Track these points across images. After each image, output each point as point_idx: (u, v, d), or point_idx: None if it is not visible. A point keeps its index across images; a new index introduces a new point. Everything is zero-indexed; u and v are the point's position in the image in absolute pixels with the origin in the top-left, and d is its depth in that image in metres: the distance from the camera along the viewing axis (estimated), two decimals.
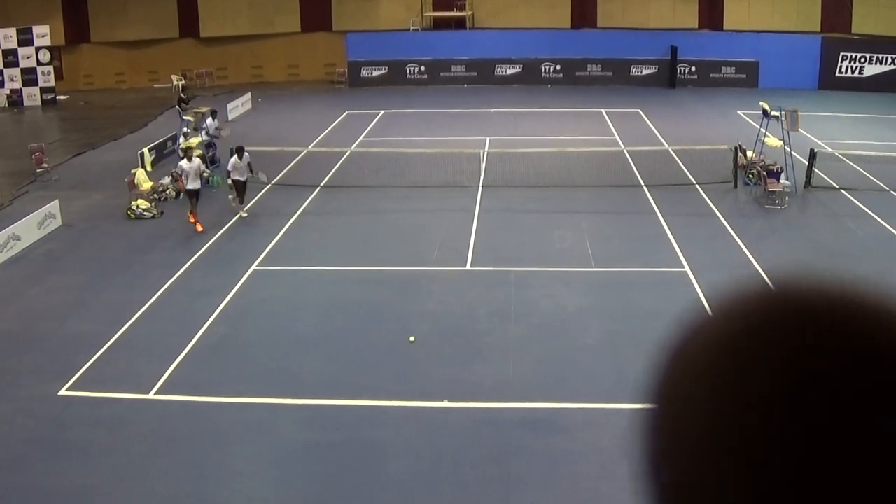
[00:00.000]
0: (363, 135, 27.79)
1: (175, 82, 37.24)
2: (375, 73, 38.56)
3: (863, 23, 35.61)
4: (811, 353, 0.75)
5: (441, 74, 38.40)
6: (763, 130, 20.86)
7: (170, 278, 15.10)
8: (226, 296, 14.25)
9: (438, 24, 40.25)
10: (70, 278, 15.36)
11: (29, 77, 35.07)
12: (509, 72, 38.14)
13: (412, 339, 12.46)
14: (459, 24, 39.79)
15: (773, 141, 20.61)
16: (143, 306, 13.89)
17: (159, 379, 11.41)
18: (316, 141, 26.74)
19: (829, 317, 0.80)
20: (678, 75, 36.92)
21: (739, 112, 30.46)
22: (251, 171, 18.98)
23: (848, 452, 0.70)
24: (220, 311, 13.69)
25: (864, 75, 35.12)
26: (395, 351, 12.17)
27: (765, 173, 19.65)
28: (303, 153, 23.74)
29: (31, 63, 34.96)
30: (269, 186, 20.97)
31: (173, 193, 20.40)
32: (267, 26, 39.97)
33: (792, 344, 0.76)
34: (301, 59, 40.51)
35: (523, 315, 13.33)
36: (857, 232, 17.23)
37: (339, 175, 22.07)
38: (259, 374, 11.58)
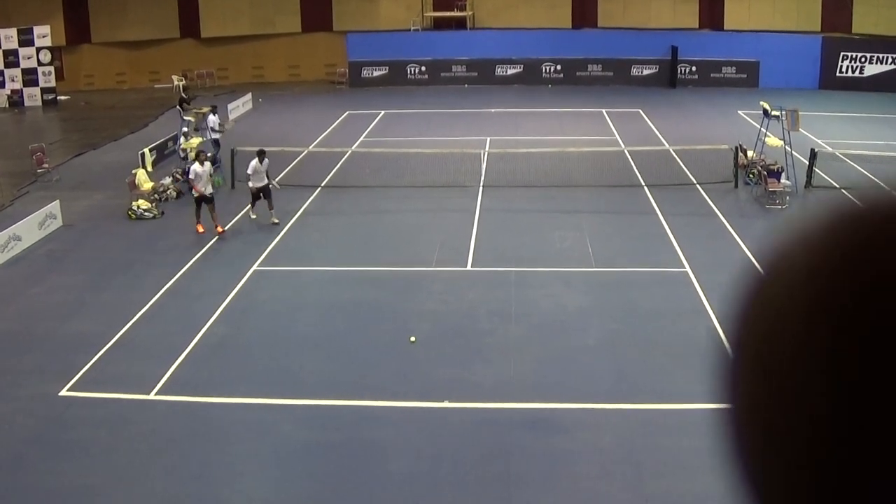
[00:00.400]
0: (364, 135, 27.79)
1: (176, 82, 37.27)
2: (376, 74, 38.57)
3: (863, 22, 35.60)
4: None
5: (442, 74, 38.41)
6: (763, 130, 20.85)
7: (170, 278, 15.10)
8: (227, 296, 14.26)
9: (439, 25, 40.25)
10: (71, 278, 15.37)
11: (30, 77, 35.09)
12: (510, 72, 38.14)
13: (413, 339, 12.46)
14: (460, 24, 39.80)
15: (773, 141, 20.60)
16: (143, 306, 13.89)
17: (160, 379, 11.42)
18: (317, 141, 26.75)
19: None
20: (679, 75, 36.92)
21: (740, 112, 30.45)
22: (268, 177, 18.16)
23: None
24: (221, 311, 13.69)
25: (864, 75, 35.10)
26: (396, 351, 12.18)
27: (765, 173, 19.64)
28: (303, 153, 23.75)
29: (32, 63, 34.98)
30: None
31: (174, 194, 20.43)
32: (267, 26, 39.99)
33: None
34: (302, 59, 40.53)
35: (524, 315, 13.33)
36: None
37: (339, 175, 22.08)
38: (260, 375, 11.59)
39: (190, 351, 12.29)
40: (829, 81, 35.29)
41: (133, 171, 20.44)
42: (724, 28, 37.87)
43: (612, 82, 37.58)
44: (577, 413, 10.46)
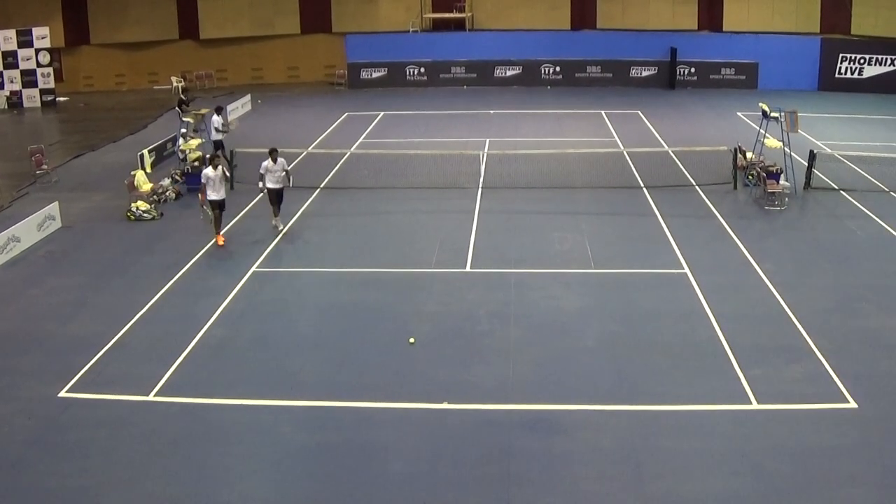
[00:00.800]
0: (363, 136, 27.81)
1: (175, 84, 37.29)
2: (375, 75, 38.60)
3: (862, 24, 35.64)
4: None
5: (441, 76, 38.44)
6: (762, 132, 20.88)
7: (169, 280, 15.11)
8: (226, 297, 14.27)
9: (438, 26, 40.29)
10: (70, 280, 15.37)
11: (29, 79, 35.10)
12: (509, 73, 38.18)
13: (412, 340, 12.48)
14: (459, 25, 39.83)
15: (772, 142, 20.64)
16: (142, 308, 13.90)
17: (159, 380, 11.43)
18: (316, 142, 26.76)
19: None
20: (678, 76, 36.96)
21: (739, 113, 30.47)
22: (288, 177, 17.30)
23: None
24: (220, 312, 13.70)
25: (863, 76, 35.14)
26: (395, 352, 12.19)
27: (764, 174, 19.67)
28: (303, 154, 23.75)
29: (31, 65, 34.99)
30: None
31: (173, 195, 20.45)
32: (267, 28, 40.01)
33: None
34: (301, 60, 40.56)
35: (523, 316, 13.34)
36: (856, 233, 17.25)
37: (338, 176, 22.10)
38: (259, 376, 11.60)
39: (189, 352, 12.29)
40: (828, 83, 35.35)
41: (132, 173, 20.45)
42: (723, 29, 37.91)
43: (611, 83, 37.61)
44: (577, 414, 10.48)
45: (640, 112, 31.27)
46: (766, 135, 20.73)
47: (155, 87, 39.44)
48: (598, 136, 26.92)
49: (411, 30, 39.26)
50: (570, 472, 9.39)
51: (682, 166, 22.59)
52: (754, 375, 11.28)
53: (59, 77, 36.96)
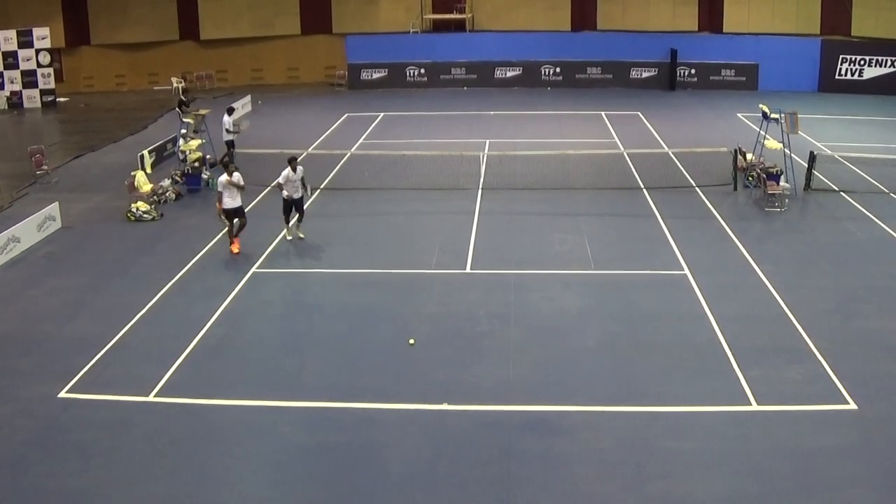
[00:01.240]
0: (363, 137, 27.83)
1: (175, 84, 37.30)
2: (375, 76, 38.61)
3: (862, 25, 35.66)
4: None
5: (441, 77, 38.45)
6: (763, 133, 20.89)
7: (169, 280, 15.12)
8: (226, 298, 14.28)
9: (438, 27, 40.30)
10: (70, 280, 15.38)
11: (29, 79, 35.09)
12: (509, 74, 38.19)
13: (412, 341, 12.49)
14: (459, 26, 39.85)
15: (772, 143, 20.65)
16: (142, 308, 13.92)
17: (159, 381, 11.45)
18: (316, 143, 26.77)
19: None
20: (678, 78, 36.96)
21: (739, 114, 30.48)
22: (305, 186, 16.93)
23: None
24: (220, 313, 13.71)
25: (863, 77, 35.14)
26: (395, 353, 12.21)
27: (764, 176, 19.68)
28: (303, 155, 23.73)
29: (31, 65, 34.98)
30: (267, 190, 20.99)
31: (173, 196, 20.45)
32: (267, 28, 40.02)
33: None
34: (301, 61, 40.57)
35: (523, 317, 13.36)
36: (856, 234, 17.26)
37: (338, 177, 22.11)
38: (259, 377, 11.61)
39: (189, 353, 12.31)
40: (829, 84, 35.36)
41: (132, 173, 20.45)
42: (724, 31, 37.92)
43: (612, 85, 37.62)
44: (577, 415, 10.49)
45: (640, 113, 31.28)
46: (767, 136, 20.74)
47: (155, 88, 39.44)
48: (598, 138, 26.93)
49: (411, 31, 39.27)
50: (570, 472, 9.40)
51: (682, 167, 22.60)
52: (754, 376, 11.29)
53: (59, 77, 36.97)
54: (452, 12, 39.57)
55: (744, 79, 36.57)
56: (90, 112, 34.30)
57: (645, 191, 20.58)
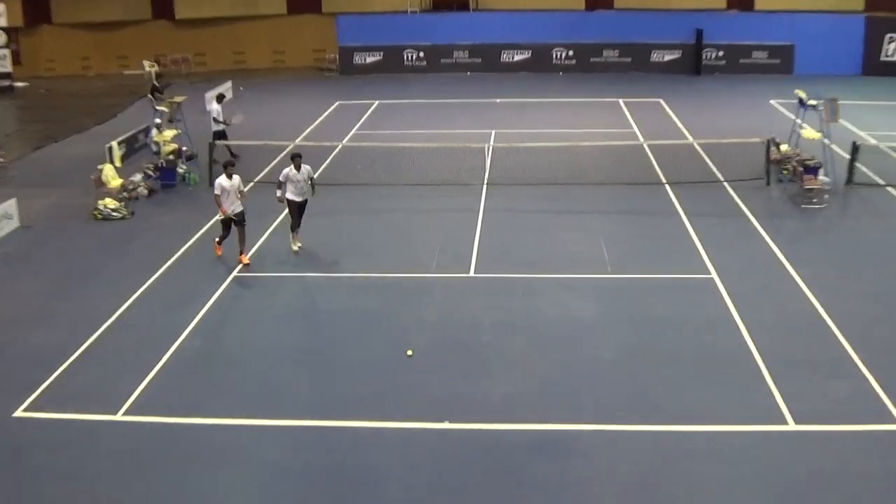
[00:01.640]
0: (356, 127, 27.84)
1: (147, 69, 37.26)
2: (369, 60, 38.64)
3: None
4: None
5: (441, 61, 38.48)
6: (799, 121, 20.88)
7: (141, 285, 15.12)
8: (204, 304, 14.28)
9: (438, 6, 40.34)
10: (29, 286, 15.38)
11: None
12: (517, 58, 38.21)
13: (410, 352, 12.49)
14: (462, 5, 39.88)
15: (810, 133, 20.63)
16: (110, 317, 13.91)
17: (129, 397, 11.43)
18: (303, 134, 26.78)
19: None
20: (704, 61, 36.97)
21: (773, 101, 30.48)
22: (312, 187, 16.35)
23: None
24: (198, 321, 13.71)
25: None
26: (391, 365, 12.20)
27: (801, 169, 19.66)
28: (289, 147, 23.74)
29: None
30: (251, 185, 21.00)
31: (145, 192, 20.47)
32: (249, 7, 40.07)
33: None
34: (287, 43, 40.60)
35: (531, 326, 13.35)
36: None
37: (329, 172, 22.13)
38: (241, 392, 11.60)
39: (163, 366, 12.30)
40: (873, 66, 35.30)
41: (99, 167, 20.47)
42: (755, 8, 37.94)
43: (630, 69, 37.63)
44: (591, 435, 10.47)
45: (661, 100, 31.28)
46: (803, 125, 20.72)
47: (125, 73, 39.50)
48: (615, 128, 26.93)
49: (409, 10, 39.30)
50: (583, 499, 9.38)
51: (708, 160, 22.59)
52: (790, 392, 11.26)
53: (16, 60, 37.02)
54: None
55: (778, 61, 36.57)
56: (52, 98, 34.35)
57: (667, 186, 20.58)
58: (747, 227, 17.77)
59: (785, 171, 20.74)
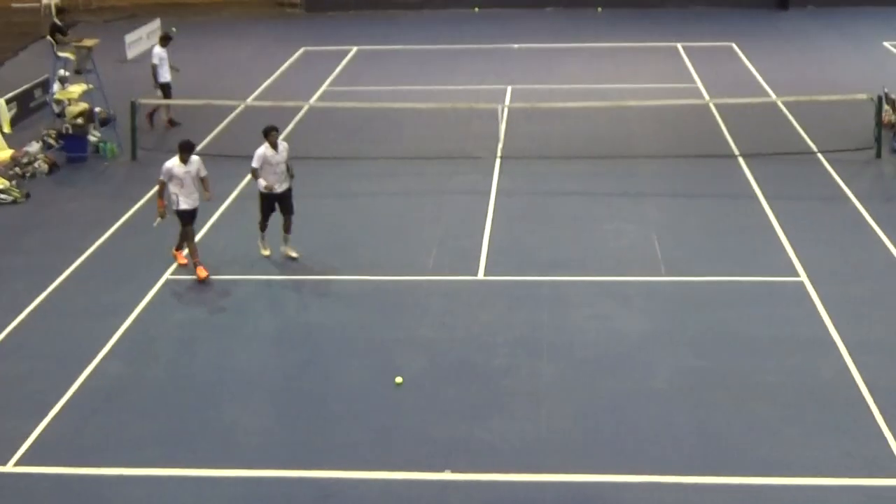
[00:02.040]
0: (327, 82, 27.83)
1: (45, 1, 37.31)
2: None
3: None
4: None
5: None
6: None
7: (40, 292, 15.13)
8: (124, 319, 14.29)
9: None
10: None
11: None
12: None
13: (399, 380, 12.51)
14: None
15: None
16: None
17: (24, 442, 11.42)
18: (258, 91, 26.78)
19: None
20: None
21: (886, 43, 30.48)
22: (289, 171, 15.94)
23: None
24: (117, 340, 13.72)
25: None
26: (375, 398, 12.22)
27: None
28: (239, 109, 23.79)
29: None
30: None
31: (44, 167, 20.47)
32: None
33: None
34: None
35: (561, 346, 13.37)
36: None
37: (292, 141, 21.98)
38: (174, 434, 11.62)
39: (69, 400, 12.30)
40: None
41: None
42: None
43: (693, 2, 37.60)
44: (641, 489, 10.50)
45: (734, 45, 31.26)
46: None
47: (14, 6, 39.46)
48: (672, 82, 26.91)
49: None
50: None
51: (797, 125, 22.59)
52: None
53: None
54: None
55: None
56: None
57: (741, 159, 20.59)
58: (850, 214, 17.78)
59: None
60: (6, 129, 22.19)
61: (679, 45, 31.40)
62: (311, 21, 37.33)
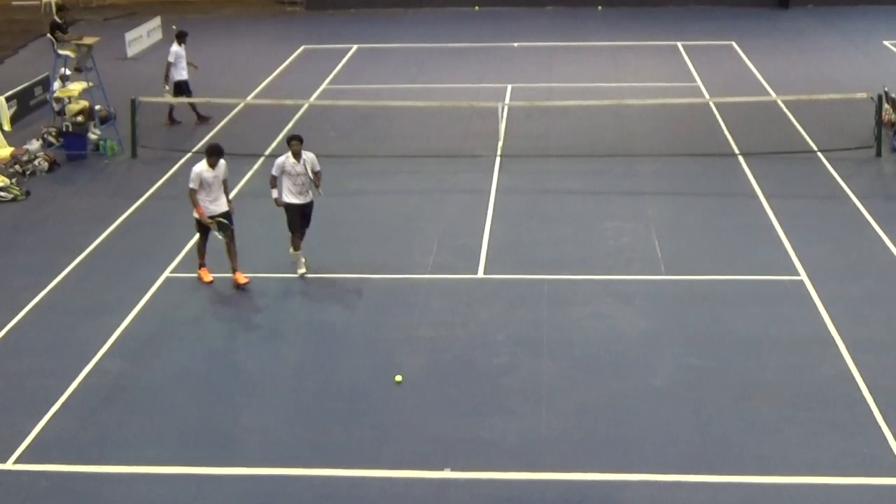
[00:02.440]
0: (327, 81, 27.83)
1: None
2: None
3: None
4: None
5: None
6: None
7: (40, 290, 15.15)
8: (124, 317, 14.31)
9: None
10: None
11: None
12: None
13: (398, 378, 12.52)
14: None
15: None
16: None
17: (24, 440, 11.43)
18: (258, 89, 26.77)
19: None
20: None
21: (886, 42, 30.47)
22: (315, 182, 15.48)
23: None
24: (116, 338, 13.73)
25: None
26: (375, 396, 12.23)
27: None
28: (239, 107, 23.80)
29: None
30: (187, 156, 21.05)
31: (44, 165, 20.47)
32: None
33: None
34: None
35: (561, 344, 13.39)
36: None
37: None
38: (173, 432, 11.63)
39: (69, 398, 12.31)
40: None
41: None
42: None
43: (694, 1, 37.59)
44: (641, 488, 10.50)
45: (734, 43, 31.26)
46: None
47: (14, 3, 39.47)
48: (672, 80, 26.91)
49: None
50: None
51: (797, 123, 22.59)
52: None
53: None
54: None
55: None
56: None
57: (741, 158, 20.59)
58: (850, 213, 17.78)
59: None
60: (6, 127, 22.17)
61: (679, 44, 31.41)
62: (311, 19, 37.32)
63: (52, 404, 12.14)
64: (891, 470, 10.68)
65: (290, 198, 15.38)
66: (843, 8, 36.32)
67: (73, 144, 21.42)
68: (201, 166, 15.00)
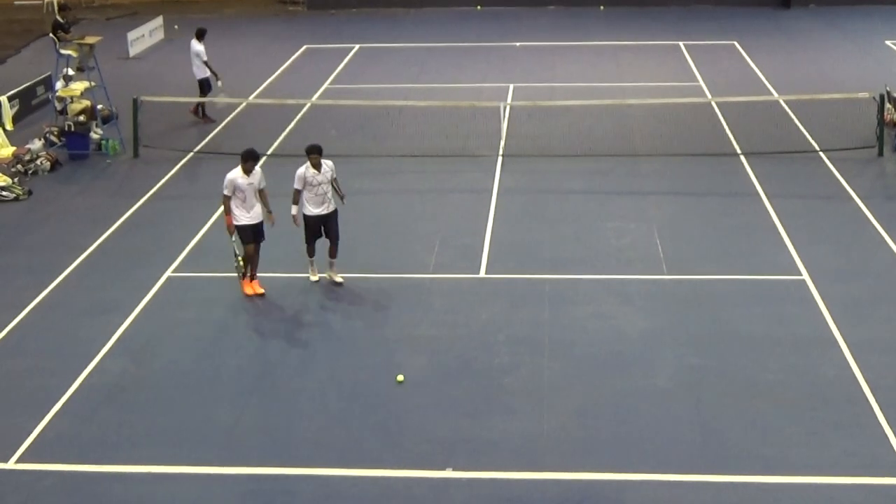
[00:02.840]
0: (329, 80, 27.82)
1: None
2: None
3: None
4: None
5: None
6: None
7: (41, 290, 15.15)
8: (126, 317, 14.30)
9: None
10: None
11: None
12: None
13: (400, 378, 12.53)
14: None
15: None
16: (0, 331, 13.97)
17: (25, 440, 11.44)
18: (260, 89, 26.77)
19: None
20: None
21: (888, 42, 30.44)
22: (338, 191, 15.25)
23: None
24: (119, 337, 13.74)
25: None
26: (376, 396, 12.23)
27: None
28: (241, 107, 23.79)
29: None
30: (189, 156, 21.06)
31: (46, 164, 20.47)
32: None
33: None
34: None
35: (562, 344, 13.39)
36: None
37: (293, 139, 22.11)
38: (175, 431, 11.63)
39: (71, 397, 12.31)
40: None
41: None
42: None
43: (696, 1, 37.57)
44: (642, 487, 10.51)
45: (736, 43, 31.24)
46: None
47: (17, 3, 39.48)
48: (674, 80, 26.90)
49: None
50: None
51: (799, 123, 22.57)
52: None
53: None
54: None
55: None
56: None
57: (743, 158, 20.58)
58: (852, 212, 17.77)
59: None
60: (8, 127, 22.18)
61: (681, 44, 31.38)
62: (313, 19, 37.31)
63: (54, 404, 12.15)
64: (892, 470, 10.67)
65: (312, 209, 14.90)
66: (845, 8, 36.27)
67: (75, 144, 21.44)
68: (235, 173, 14.57)
